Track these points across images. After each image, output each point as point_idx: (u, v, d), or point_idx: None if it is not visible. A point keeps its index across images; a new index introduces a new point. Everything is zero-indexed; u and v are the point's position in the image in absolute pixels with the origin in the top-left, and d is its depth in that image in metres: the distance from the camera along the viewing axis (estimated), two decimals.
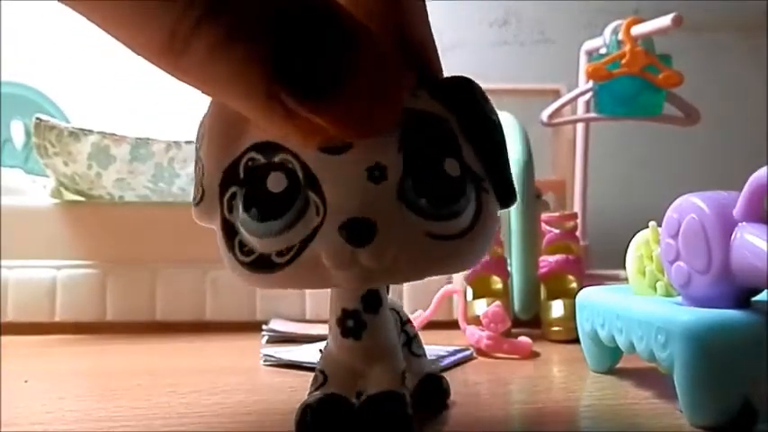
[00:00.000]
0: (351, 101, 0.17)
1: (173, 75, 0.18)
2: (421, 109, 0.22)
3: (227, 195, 0.22)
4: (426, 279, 0.23)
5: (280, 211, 0.21)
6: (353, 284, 0.22)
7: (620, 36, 0.70)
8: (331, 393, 0.24)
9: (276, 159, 0.21)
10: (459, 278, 0.56)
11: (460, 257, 0.22)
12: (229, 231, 0.22)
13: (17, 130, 0.95)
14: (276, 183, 0.21)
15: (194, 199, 0.23)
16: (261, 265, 0.21)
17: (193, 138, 0.24)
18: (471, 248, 0.22)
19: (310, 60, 0.17)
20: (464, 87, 0.23)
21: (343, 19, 0.17)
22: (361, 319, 0.24)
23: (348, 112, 0.17)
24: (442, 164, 0.21)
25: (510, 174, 0.24)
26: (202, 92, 0.18)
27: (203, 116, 0.23)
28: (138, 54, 0.18)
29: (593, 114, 0.74)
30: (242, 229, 0.21)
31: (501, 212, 0.62)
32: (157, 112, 0.93)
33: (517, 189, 0.53)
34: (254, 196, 0.21)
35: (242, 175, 0.21)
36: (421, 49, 0.22)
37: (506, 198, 0.24)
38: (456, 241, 0.21)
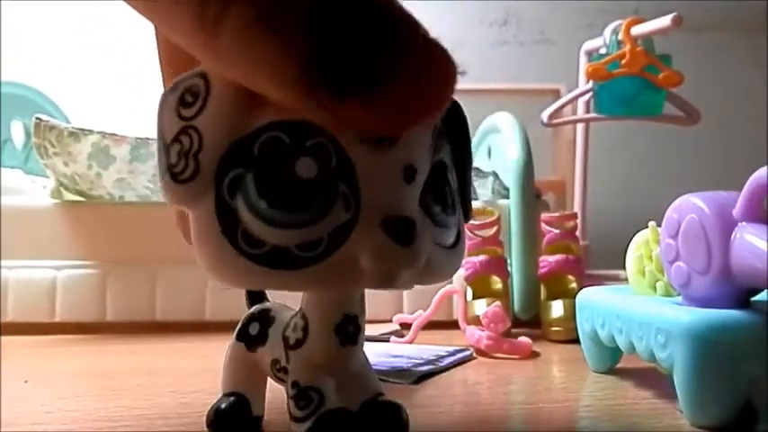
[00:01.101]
0: (389, 99, 0.16)
1: (205, 58, 0.18)
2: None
3: (230, 176, 0.19)
4: None
5: (309, 201, 0.18)
6: (383, 287, 0.20)
7: (620, 36, 0.70)
8: (336, 408, 0.23)
9: (308, 143, 0.19)
10: (459, 278, 0.56)
11: (452, 269, 0.22)
12: (228, 218, 0.19)
13: (17, 130, 0.95)
14: (306, 168, 0.18)
15: (178, 174, 0.19)
16: (277, 258, 0.19)
17: None
18: (458, 260, 0.22)
19: (345, 54, 0.16)
20: (454, 105, 0.23)
21: (385, 9, 0.16)
22: (359, 323, 0.24)
23: (385, 109, 0.16)
24: (448, 174, 0.21)
25: (471, 190, 0.24)
26: (235, 77, 0.18)
27: (192, 79, 0.19)
28: (172, 35, 0.18)
29: (593, 114, 0.74)
30: (250, 217, 0.19)
31: (501, 212, 0.62)
32: None
33: (517, 189, 0.53)
34: (277, 181, 0.18)
35: (257, 156, 0.19)
36: None
37: (467, 213, 0.24)
38: (449, 252, 0.21)
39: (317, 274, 0.19)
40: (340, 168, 0.19)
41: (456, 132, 0.23)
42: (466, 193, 0.23)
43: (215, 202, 0.19)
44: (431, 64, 0.16)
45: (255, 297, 0.29)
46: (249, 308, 0.28)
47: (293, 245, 0.19)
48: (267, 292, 0.29)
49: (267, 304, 0.28)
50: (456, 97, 0.23)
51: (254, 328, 0.27)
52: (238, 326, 0.28)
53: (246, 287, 0.20)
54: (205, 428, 0.27)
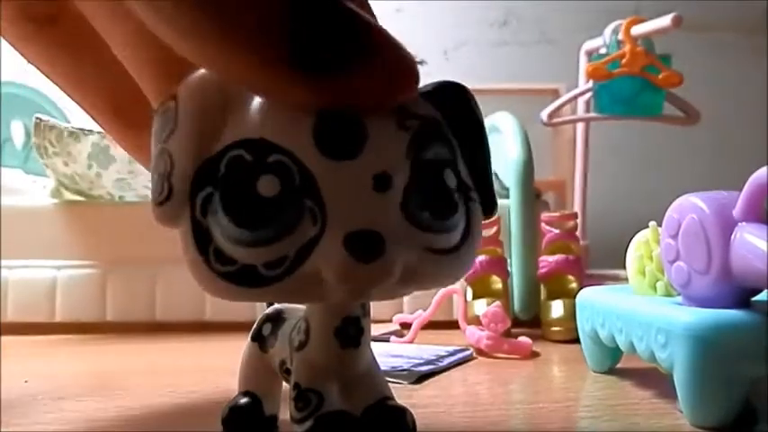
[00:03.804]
0: (363, 73, 0.18)
1: (186, 48, 0.18)
2: (423, 113, 0.21)
3: (202, 196, 0.19)
4: None
5: (271, 219, 0.18)
6: (355, 299, 0.20)
7: (620, 36, 0.70)
8: (335, 411, 0.23)
9: (270, 160, 0.18)
10: None
11: (453, 272, 0.21)
12: (201, 237, 0.19)
13: (17, 130, 0.95)
14: (268, 186, 0.18)
15: (157, 197, 0.20)
16: (245, 277, 0.19)
17: None
18: (464, 263, 0.21)
19: (320, 39, 0.17)
20: (459, 92, 0.22)
21: (341, 5, 0.18)
22: (361, 325, 0.23)
23: (359, 83, 0.18)
24: (443, 174, 0.21)
25: (493, 182, 0.23)
26: (215, 63, 0.18)
27: (167, 102, 0.20)
28: (156, 27, 0.18)
29: (593, 114, 0.74)
30: (219, 236, 0.19)
31: (501, 212, 0.62)
32: None
33: (517, 189, 0.52)
34: (240, 200, 0.19)
35: (223, 174, 0.19)
36: None
37: (490, 207, 0.23)
38: (449, 256, 0.21)
39: (282, 289, 0.19)
40: (303, 184, 0.19)
41: (462, 121, 0.22)
42: (485, 186, 0.22)
43: (190, 222, 0.19)
44: (391, 44, 0.18)
45: None
46: (268, 307, 0.28)
47: (260, 263, 0.19)
48: None
49: (284, 305, 0.28)
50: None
51: (266, 329, 0.27)
52: (254, 326, 0.28)
53: (225, 299, 0.20)
54: (204, 428, 0.27)
